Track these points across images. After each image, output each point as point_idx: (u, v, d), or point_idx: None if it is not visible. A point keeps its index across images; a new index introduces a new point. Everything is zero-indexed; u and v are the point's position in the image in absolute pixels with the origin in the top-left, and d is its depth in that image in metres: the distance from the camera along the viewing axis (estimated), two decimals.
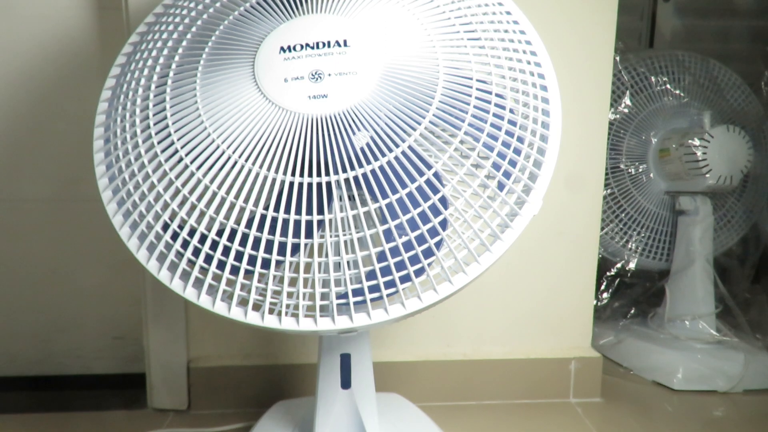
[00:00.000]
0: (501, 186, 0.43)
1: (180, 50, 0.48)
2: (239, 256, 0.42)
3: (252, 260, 0.42)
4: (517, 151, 0.44)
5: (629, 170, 0.94)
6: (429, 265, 0.42)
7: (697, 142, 0.86)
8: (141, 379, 0.80)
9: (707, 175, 0.86)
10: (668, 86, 0.93)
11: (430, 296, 0.42)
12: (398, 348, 0.81)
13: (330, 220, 0.41)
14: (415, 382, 0.80)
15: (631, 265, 0.95)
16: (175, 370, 0.77)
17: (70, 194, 0.83)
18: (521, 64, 0.46)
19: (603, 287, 0.95)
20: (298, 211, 0.41)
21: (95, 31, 0.81)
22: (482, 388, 0.81)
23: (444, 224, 0.42)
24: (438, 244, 0.42)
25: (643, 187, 0.96)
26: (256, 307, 0.42)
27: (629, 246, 0.95)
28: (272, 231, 0.41)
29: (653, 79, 0.94)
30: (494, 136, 0.43)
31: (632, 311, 0.97)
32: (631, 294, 0.98)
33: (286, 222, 0.41)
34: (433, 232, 0.42)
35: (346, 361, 0.57)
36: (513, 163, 0.44)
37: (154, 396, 0.78)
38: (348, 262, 0.42)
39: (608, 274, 0.95)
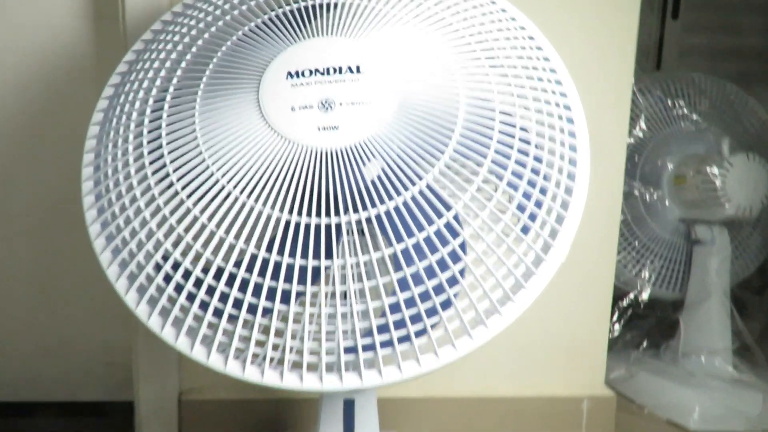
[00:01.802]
0: (525, 229, 0.40)
1: (179, 72, 0.44)
2: (238, 304, 0.38)
3: (252, 308, 0.38)
4: (543, 191, 0.40)
5: (643, 196, 0.91)
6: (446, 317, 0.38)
7: (715, 170, 0.83)
8: (130, 407, 0.76)
9: (726, 205, 0.83)
10: (685, 110, 0.90)
11: (448, 353, 0.38)
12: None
13: (338, 266, 0.38)
14: (419, 419, 0.76)
15: (644, 295, 0.91)
16: (166, 401, 0.73)
17: (62, 209, 0.79)
18: (546, 94, 0.43)
19: (615, 318, 0.91)
20: (304, 255, 0.37)
21: (92, 41, 0.78)
22: (490, 428, 0.77)
23: (462, 272, 0.38)
24: (455, 294, 0.38)
25: (658, 214, 0.92)
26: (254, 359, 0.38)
27: (642, 275, 0.92)
28: (274, 276, 0.37)
29: (669, 102, 0.91)
30: (519, 174, 0.40)
31: (645, 343, 0.93)
32: (643, 325, 0.94)
33: (290, 267, 0.37)
34: (451, 281, 0.38)
35: (349, 409, 0.53)
36: (539, 204, 0.40)
37: (143, 428, 0.74)
38: (357, 313, 0.38)
39: (620, 304, 0.91)
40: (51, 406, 0.82)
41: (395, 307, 0.37)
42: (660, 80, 0.92)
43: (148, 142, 0.42)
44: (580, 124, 0.43)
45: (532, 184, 0.40)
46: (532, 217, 0.40)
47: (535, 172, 0.40)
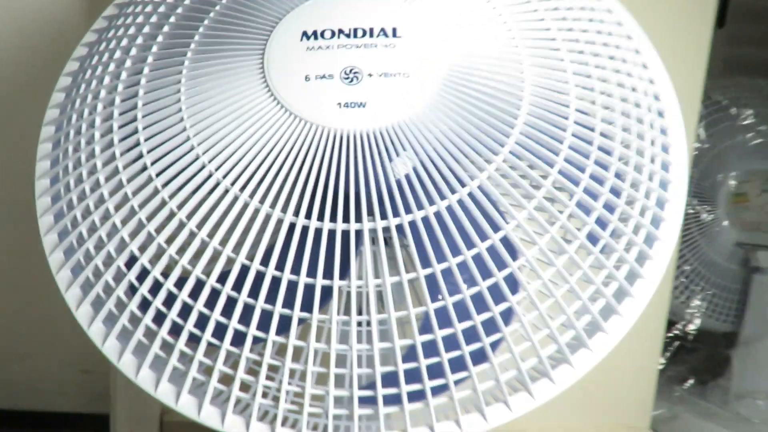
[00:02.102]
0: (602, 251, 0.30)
1: (166, 28, 0.35)
2: (219, 332, 0.28)
3: (237, 338, 0.28)
4: (630, 202, 0.31)
5: (697, 215, 0.80)
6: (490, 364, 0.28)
7: None
8: (107, 422, 0.67)
9: None
10: (751, 119, 0.80)
11: (497, 414, 0.28)
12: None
13: (355, 288, 0.28)
14: None
15: (693, 327, 0.81)
16: (146, 419, 0.64)
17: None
18: (636, 94, 0.33)
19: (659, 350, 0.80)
20: (312, 273, 0.28)
21: (83, 12, 0.69)
22: None
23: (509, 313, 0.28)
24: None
25: (712, 236, 0.82)
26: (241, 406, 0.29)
27: (691, 304, 0.81)
28: (270, 297, 0.28)
29: (734, 110, 0.80)
30: (599, 179, 0.30)
31: (691, 380, 0.83)
32: (690, 360, 0.84)
33: (292, 285, 0.28)
34: (505, 316, 0.28)
35: None
36: (624, 219, 0.30)
37: None
38: (378, 351, 0.28)
39: (667, 335, 0.80)
40: (21, 415, 0.73)
41: (430, 348, 0.28)
42: (724, 86, 0.82)
43: (120, 115, 0.32)
44: (676, 139, 0.33)
45: (615, 192, 0.30)
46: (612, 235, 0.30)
47: (615, 191, 0.30)
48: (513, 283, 0.28)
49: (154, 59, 0.34)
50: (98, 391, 0.72)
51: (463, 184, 0.28)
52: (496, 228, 0.28)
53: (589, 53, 0.33)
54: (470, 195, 0.28)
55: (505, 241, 0.28)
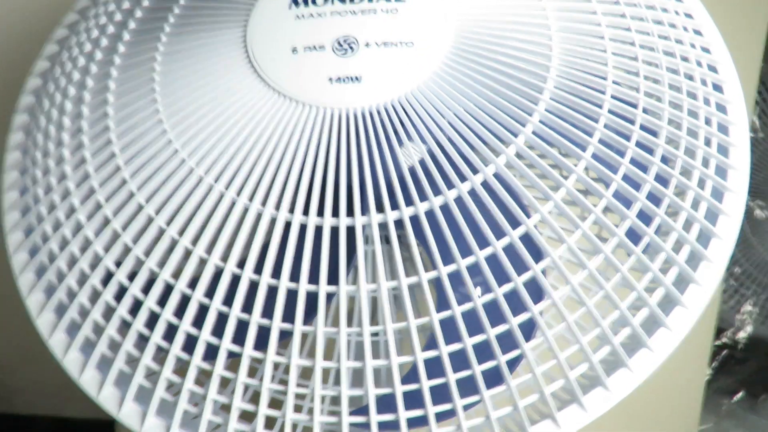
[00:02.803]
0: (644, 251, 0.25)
1: (139, 13, 0.31)
2: (211, 352, 0.24)
3: (210, 352, 0.24)
4: (680, 193, 0.25)
5: (750, 212, 0.73)
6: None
7: None
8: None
9: None
10: None
11: None
12: None
13: (345, 295, 0.24)
14: None
15: (744, 334, 0.74)
16: None
17: None
18: (687, 64, 0.28)
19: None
20: (294, 276, 0.24)
21: None
22: None
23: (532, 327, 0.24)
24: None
25: (765, 235, 0.75)
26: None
27: (742, 309, 0.74)
28: (268, 312, 0.24)
29: None
30: (642, 165, 0.25)
31: (741, 393, 0.76)
32: (740, 371, 0.77)
33: (292, 294, 0.24)
34: (527, 329, 0.23)
35: None
36: (672, 213, 0.25)
37: None
38: (371, 370, 0.24)
39: (715, 343, 0.74)
40: (33, 420, 0.71)
41: (434, 367, 0.23)
42: None
43: (93, 99, 0.29)
44: (736, 111, 0.28)
45: (661, 180, 0.25)
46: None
47: (662, 180, 0.25)
48: (536, 290, 0.23)
49: (132, 35, 0.30)
50: None
51: (475, 171, 0.24)
52: (515, 223, 0.23)
53: (630, 17, 0.28)
54: (484, 184, 0.24)
55: (527, 239, 0.24)
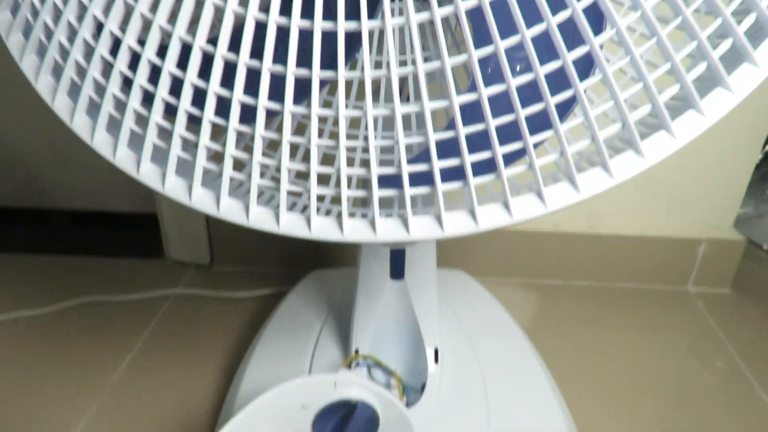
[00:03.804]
0: None
1: None
2: (223, 108, 0.22)
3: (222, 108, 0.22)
4: None
5: None
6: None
7: None
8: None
9: None
10: None
11: (559, 195, 0.21)
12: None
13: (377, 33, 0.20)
14: (488, 255, 0.63)
15: None
16: (193, 220, 0.63)
17: None
18: None
19: None
20: (307, 12, 0.20)
21: None
22: (572, 267, 0.63)
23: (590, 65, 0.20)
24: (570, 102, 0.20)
25: None
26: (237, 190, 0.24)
27: None
28: (278, 57, 0.21)
29: None
30: None
31: None
32: None
33: (306, 37, 0.20)
34: (584, 65, 0.20)
35: (398, 251, 0.40)
36: None
37: (170, 247, 0.66)
38: (400, 117, 0.21)
39: None
40: (78, 214, 0.74)
41: (472, 113, 0.20)
42: None
43: None
44: None
45: None
46: None
47: None
48: (596, 18, 0.19)
49: None
50: (145, 192, 0.71)
51: None
52: None
53: None
54: None
55: None
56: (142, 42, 0.22)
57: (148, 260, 0.67)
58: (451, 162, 0.21)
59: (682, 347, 0.55)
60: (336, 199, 0.26)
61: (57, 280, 0.63)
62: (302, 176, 0.25)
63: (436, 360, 0.42)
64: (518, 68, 0.21)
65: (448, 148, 0.21)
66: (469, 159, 0.20)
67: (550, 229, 0.62)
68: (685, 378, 0.51)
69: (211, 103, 0.21)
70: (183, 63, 0.21)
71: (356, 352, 0.42)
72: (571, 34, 0.19)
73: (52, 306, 0.57)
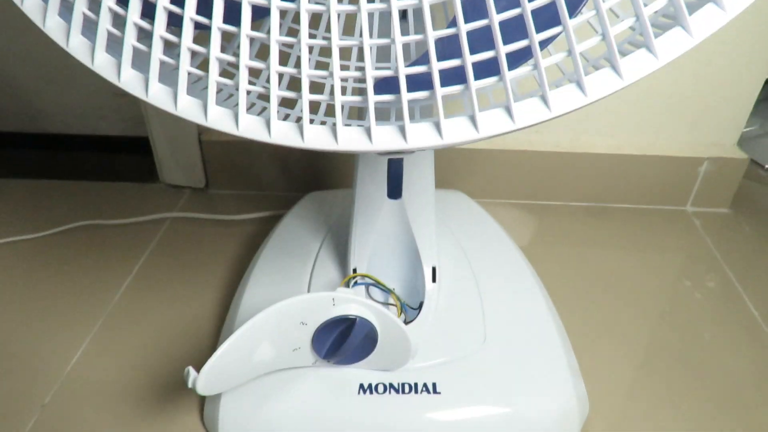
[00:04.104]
0: None
1: None
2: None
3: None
4: None
5: None
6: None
7: None
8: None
9: None
10: None
11: (566, 99, 0.20)
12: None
13: None
14: (485, 175, 0.63)
15: None
16: (185, 142, 0.62)
17: None
18: None
19: None
20: None
21: None
22: (571, 187, 0.63)
23: None
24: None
25: None
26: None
27: None
28: None
29: None
30: None
31: None
32: None
33: None
34: None
35: (395, 165, 0.39)
36: None
37: (164, 171, 0.64)
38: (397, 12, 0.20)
39: None
40: (72, 139, 0.73)
41: (474, 10, 0.19)
42: None
43: None
44: None
45: None
46: None
47: None
48: None
49: None
50: (136, 115, 0.70)
51: None
52: None
53: None
54: None
55: None
56: None
57: (142, 184, 0.66)
58: (452, 63, 0.19)
59: (677, 266, 0.55)
60: (331, 110, 0.25)
61: (52, 205, 0.62)
62: (295, 87, 0.23)
63: (434, 279, 0.43)
64: None
65: (447, 52, 0.20)
66: (471, 59, 0.19)
67: (551, 149, 0.60)
68: (678, 296, 0.51)
69: (191, 1, 0.20)
70: None
71: (354, 271, 0.42)
72: None
73: (49, 230, 0.57)
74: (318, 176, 0.64)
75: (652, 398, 0.41)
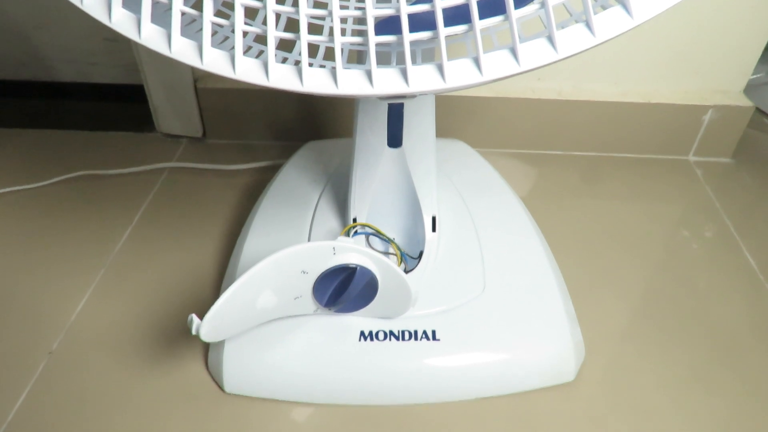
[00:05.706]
0: None
1: None
2: None
3: None
4: None
5: None
6: None
7: None
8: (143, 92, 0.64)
9: None
10: None
11: (574, 40, 0.19)
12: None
13: None
14: (486, 123, 0.62)
15: None
16: (180, 90, 0.60)
17: None
18: None
19: None
20: None
21: None
22: (574, 137, 0.62)
23: None
24: None
25: None
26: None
27: None
28: None
29: None
30: None
31: None
32: None
33: None
34: None
35: (396, 113, 0.38)
36: None
37: (160, 120, 0.63)
38: None
39: None
40: (63, 87, 0.71)
41: None
42: None
43: None
44: None
45: None
46: None
47: None
48: None
49: None
50: (129, 62, 0.68)
51: None
52: None
53: None
54: None
55: None
56: None
57: (139, 134, 0.65)
58: (456, 0, 0.19)
59: (677, 216, 0.55)
60: (330, 54, 0.24)
61: (48, 155, 0.61)
62: (293, 29, 0.23)
63: (434, 228, 0.43)
64: None
65: None
66: None
67: (553, 97, 0.59)
68: (676, 245, 0.51)
69: None
70: None
71: (354, 220, 0.42)
72: None
73: (47, 180, 0.57)
74: (317, 125, 0.63)
75: (647, 344, 0.42)
